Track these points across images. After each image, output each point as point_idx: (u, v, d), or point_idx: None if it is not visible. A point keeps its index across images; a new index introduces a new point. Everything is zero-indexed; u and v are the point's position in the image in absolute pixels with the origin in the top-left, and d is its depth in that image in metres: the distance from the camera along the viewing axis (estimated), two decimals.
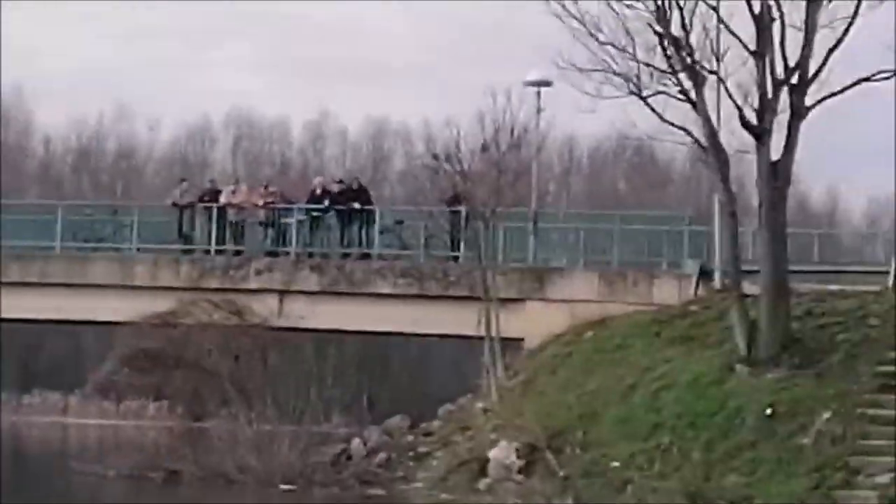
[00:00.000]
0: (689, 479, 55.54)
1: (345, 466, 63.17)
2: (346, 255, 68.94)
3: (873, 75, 58.75)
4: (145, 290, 69.78)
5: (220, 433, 67.26)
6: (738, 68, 59.57)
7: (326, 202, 70.02)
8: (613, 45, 59.60)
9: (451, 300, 65.87)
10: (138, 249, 71.37)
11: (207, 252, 70.56)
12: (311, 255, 69.37)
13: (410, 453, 63.29)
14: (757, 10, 58.43)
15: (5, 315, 74.29)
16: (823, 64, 58.56)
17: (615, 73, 59.77)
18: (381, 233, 69.57)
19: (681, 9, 58.96)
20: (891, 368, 57.09)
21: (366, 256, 68.88)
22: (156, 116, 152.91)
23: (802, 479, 54.38)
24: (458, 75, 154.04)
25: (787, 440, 55.56)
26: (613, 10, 59.55)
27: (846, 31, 58.33)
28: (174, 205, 72.57)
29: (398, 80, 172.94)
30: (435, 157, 68.58)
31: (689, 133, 60.66)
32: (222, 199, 71.68)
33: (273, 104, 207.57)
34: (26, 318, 75.80)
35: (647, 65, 59.66)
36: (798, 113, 58.75)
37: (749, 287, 59.60)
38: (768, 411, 56.61)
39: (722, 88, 59.95)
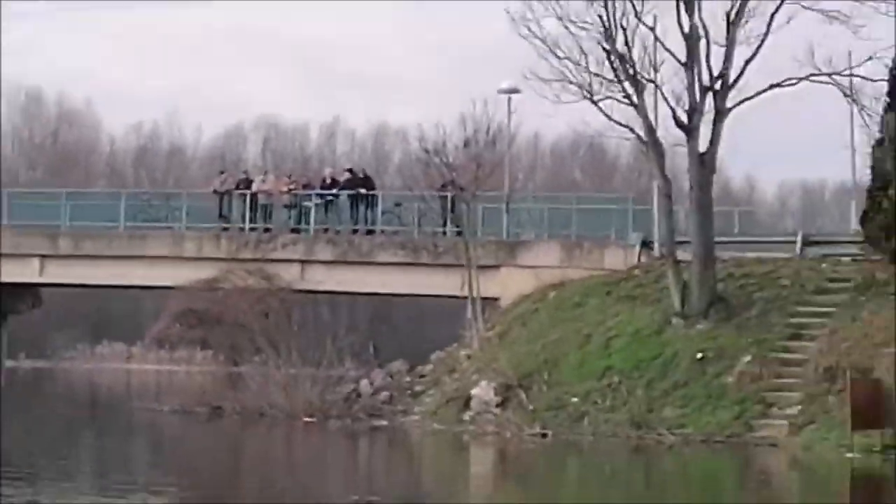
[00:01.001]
0: (635, 411, 56.69)
1: (355, 402, 63.53)
2: (354, 231, 68.87)
3: (783, 82, 59.93)
4: (192, 261, 70.03)
5: (253, 376, 67.94)
6: (672, 77, 60.92)
7: (336, 190, 69.86)
8: (570, 60, 60.41)
9: (440, 267, 65.93)
10: (187, 228, 71.23)
11: (242, 229, 70.19)
12: (326, 230, 69.31)
13: (408, 391, 63.73)
14: (686, 29, 59.41)
15: (80, 282, 75.30)
16: (741, 73, 59.54)
17: (571, 83, 60.69)
18: (382, 213, 69.74)
19: (624, 29, 60.30)
20: (799, 320, 58.02)
21: (370, 232, 68.88)
22: (198, 122, 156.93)
23: (726, 411, 55.66)
24: (444, 85, 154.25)
25: (713, 379, 56.89)
26: (569, 31, 60.30)
27: (759, 46, 59.61)
28: (215, 192, 72.53)
29: (396, 90, 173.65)
30: (426, 151, 68.45)
31: (632, 130, 61.80)
32: (254, 187, 71.59)
33: (295, 111, 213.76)
34: (96, 283, 76.58)
35: (598, 75, 60.69)
36: (721, 113, 59.91)
37: (682, 255, 60.42)
38: (699, 356, 57.67)
39: (658, 94, 61.12)
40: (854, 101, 61.50)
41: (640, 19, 60.19)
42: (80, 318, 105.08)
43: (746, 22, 59.77)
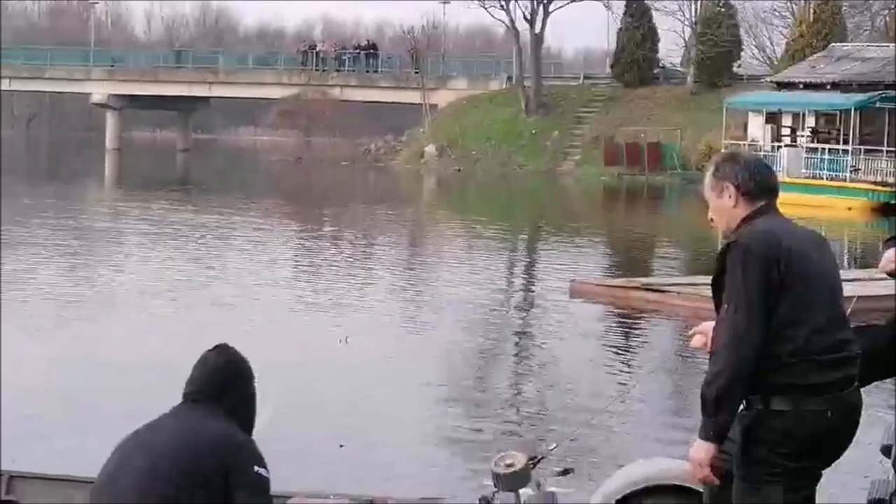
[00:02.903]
0: (502, 158, 56.68)
1: (367, 154, 63.18)
2: (367, 71, 66.33)
3: (574, 0, 59.99)
4: (287, 85, 66.81)
5: (317, 143, 66.96)
6: None
7: (360, 50, 68.29)
8: None
9: (410, 89, 63.20)
10: (284, 68, 68.73)
11: (313, 69, 66.57)
12: (354, 70, 66.61)
13: (394, 149, 63.19)
14: None
15: (229, 95, 72.70)
16: None
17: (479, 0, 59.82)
18: (382, 62, 67.65)
19: None
20: (577, 115, 57.55)
21: (376, 71, 66.30)
22: (293, 17, 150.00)
23: (546, 158, 55.92)
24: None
25: (540, 143, 56.47)
26: None
27: None
28: (298, 51, 70.32)
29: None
30: (404, 32, 68.86)
31: (504, 23, 61.84)
32: (318, 48, 69.65)
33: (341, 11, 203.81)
34: (236, 96, 73.40)
35: None
36: (546, 14, 59.34)
37: (527, 83, 58.91)
38: (533, 132, 57.19)
39: (517, 4, 59.62)
40: (609, 8, 61.59)
41: None
42: (231, 111, 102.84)
43: None
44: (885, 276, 5.68)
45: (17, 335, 12.72)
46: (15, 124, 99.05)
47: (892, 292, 5.77)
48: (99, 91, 71.59)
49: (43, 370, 11.28)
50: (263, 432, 4.61)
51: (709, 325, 4.62)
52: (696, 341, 4.74)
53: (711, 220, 4.69)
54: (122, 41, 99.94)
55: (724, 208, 4.64)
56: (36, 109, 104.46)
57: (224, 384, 4.42)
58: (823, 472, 4.50)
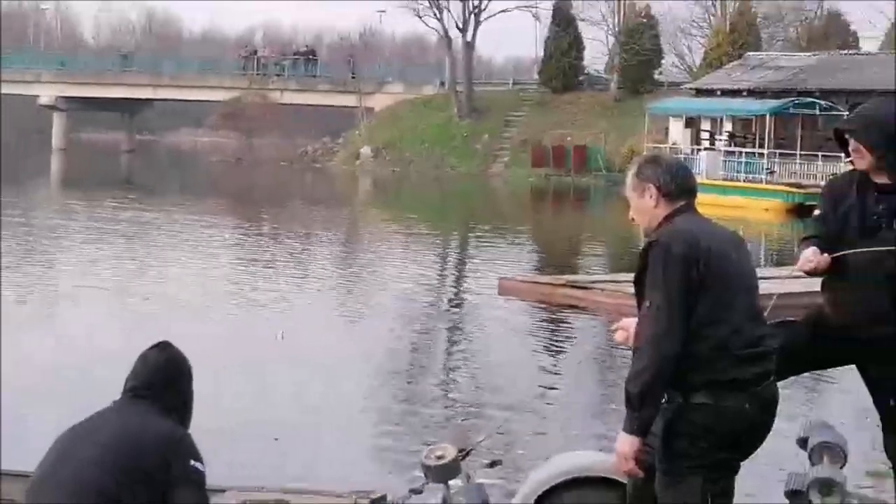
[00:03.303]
0: (435, 161, 56.16)
1: (305, 155, 62.90)
2: (306, 75, 65.81)
3: (506, 10, 59.98)
4: (229, 89, 66.27)
5: (258, 144, 66.91)
6: (457, 6, 59.46)
7: (299, 56, 67.81)
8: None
9: (348, 93, 62.57)
10: (227, 72, 68.36)
11: (255, 73, 66.33)
12: (293, 75, 65.98)
13: (331, 151, 62.98)
14: None
15: (172, 97, 71.94)
16: (486, 5, 59.30)
17: (412, 9, 59.65)
18: (321, 67, 67.60)
19: None
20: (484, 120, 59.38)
21: (315, 76, 65.60)
22: (235, 23, 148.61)
23: (477, 160, 55.65)
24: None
25: (472, 146, 56.44)
26: None
27: None
28: (240, 56, 70.17)
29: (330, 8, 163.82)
30: (341, 39, 68.82)
31: (437, 31, 61.30)
32: (259, 53, 69.77)
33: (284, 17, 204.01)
34: (181, 98, 72.33)
35: (422, 3, 59.37)
36: (477, 24, 59.26)
37: (459, 88, 58.72)
38: (465, 134, 56.99)
39: (449, 14, 59.53)
40: (537, 18, 61.74)
41: None
42: (173, 113, 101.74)
43: None
44: (802, 274, 5.67)
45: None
46: None
47: (810, 290, 5.76)
48: (47, 93, 70.88)
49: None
50: (197, 426, 4.52)
51: (630, 321, 4.61)
52: (619, 336, 4.75)
53: (633, 219, 4.68)
54: (71, 46, 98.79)
55: (645, 208, 4.63)
56: None
57: (165, 381, 4.42)
58: (742, 464, 4.48)
